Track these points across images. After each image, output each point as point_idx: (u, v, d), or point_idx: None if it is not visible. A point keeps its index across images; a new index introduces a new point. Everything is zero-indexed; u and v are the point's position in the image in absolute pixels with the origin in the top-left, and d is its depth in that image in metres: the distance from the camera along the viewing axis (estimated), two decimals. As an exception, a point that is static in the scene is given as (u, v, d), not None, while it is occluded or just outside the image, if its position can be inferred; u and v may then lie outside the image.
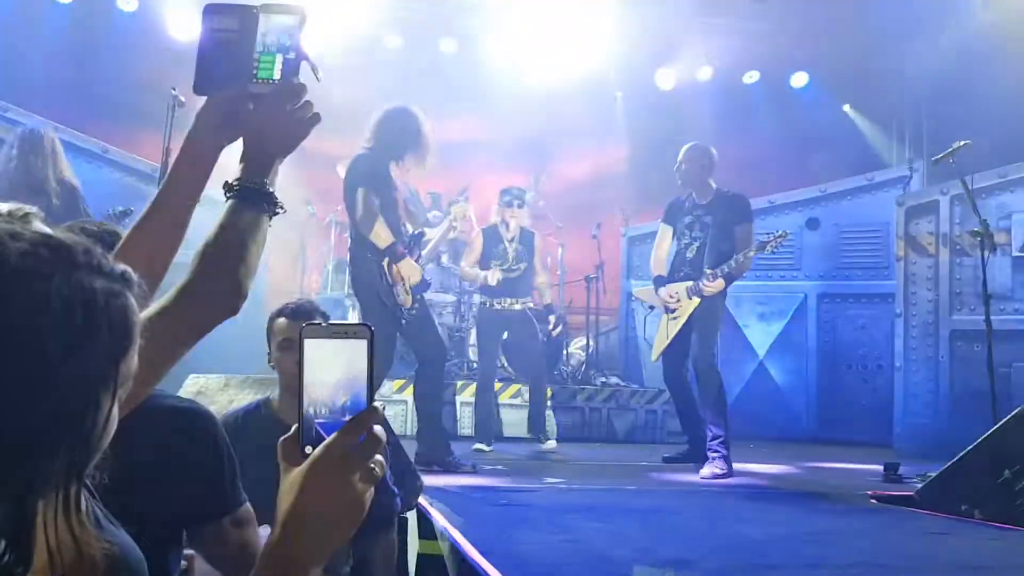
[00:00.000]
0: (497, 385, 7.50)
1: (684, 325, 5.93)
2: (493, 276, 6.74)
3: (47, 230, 0.92)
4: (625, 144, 11.25)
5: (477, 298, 7.84)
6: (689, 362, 5.96)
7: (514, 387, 7.75)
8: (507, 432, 7.61)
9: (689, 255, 6.01)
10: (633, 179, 10.71)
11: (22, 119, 6.93)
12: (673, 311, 5.97)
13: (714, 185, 6.05)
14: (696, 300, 5.85)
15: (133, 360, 0.89)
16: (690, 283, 5.89)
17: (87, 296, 0.82)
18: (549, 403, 7.55)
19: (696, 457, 5.91)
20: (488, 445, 6.65)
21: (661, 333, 6.13)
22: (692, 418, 6.12)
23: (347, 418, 0.95)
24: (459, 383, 7.70)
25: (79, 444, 0.83)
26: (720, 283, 5.76)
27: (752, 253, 5.74)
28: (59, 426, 0.81)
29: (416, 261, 5.36)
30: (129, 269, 0.89)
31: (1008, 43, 8.21)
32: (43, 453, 0.80)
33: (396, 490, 3.16)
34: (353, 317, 7.80)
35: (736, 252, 5.81)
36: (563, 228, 9.49)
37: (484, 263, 6.88)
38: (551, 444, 6.88)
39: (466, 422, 7.49)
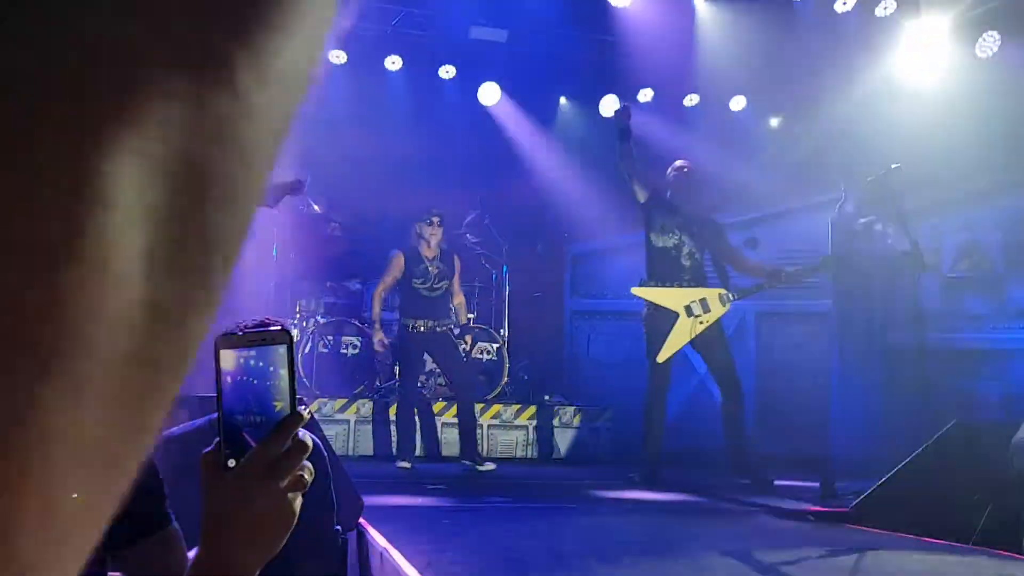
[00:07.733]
0: (440, 405, 7.49)
1: (707, 329, 6.07)
2: (380, 344, 6.85)
3: None
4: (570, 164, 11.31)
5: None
6: (713, 370, 6.36)
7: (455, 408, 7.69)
8: (445, 451, 7.54)
9: (686, 263, 6.14)
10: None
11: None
12: (697, 315, 6.02)
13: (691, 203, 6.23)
14: (727, 307, 5.97)
15: None
16: (722, 291, 6.11)
17: None
18: (494, 422, 7.53)
19: (654, 477, 5.89)
20: (409, 463, 6.54)
21: (680, 332, 6.05)
22: (656, 433, 6.10)
23: (272, 426, 0.92)
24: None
25: None
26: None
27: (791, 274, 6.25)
28: None
29: None
30: None
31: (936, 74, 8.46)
32: None
33: (336, 506, 3.10)
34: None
35: (733, 267, 6.24)
36: (507, 246, 9.50)
37: (406, 283, 6.70)
38: (490, 466, 6.60)
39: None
